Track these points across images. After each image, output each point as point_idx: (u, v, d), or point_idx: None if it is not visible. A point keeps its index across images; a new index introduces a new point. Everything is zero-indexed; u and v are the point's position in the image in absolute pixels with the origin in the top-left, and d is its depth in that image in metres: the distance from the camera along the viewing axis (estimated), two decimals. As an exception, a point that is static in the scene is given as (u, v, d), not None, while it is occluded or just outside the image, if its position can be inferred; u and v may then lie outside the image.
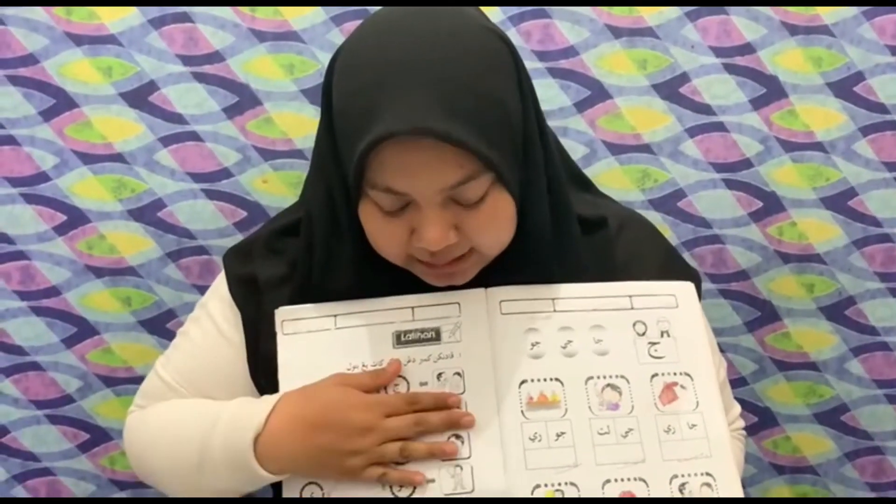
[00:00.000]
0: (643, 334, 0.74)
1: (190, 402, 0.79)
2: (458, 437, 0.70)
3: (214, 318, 0.80)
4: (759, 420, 1.16)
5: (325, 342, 0.73)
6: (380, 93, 0.61)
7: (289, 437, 0.69)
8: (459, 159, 0.62)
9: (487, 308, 0.73)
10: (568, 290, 0.75)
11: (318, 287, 0.75)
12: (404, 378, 0.72)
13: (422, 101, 0.60)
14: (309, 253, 0.75)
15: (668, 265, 0.81)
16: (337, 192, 0.71)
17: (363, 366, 0.72)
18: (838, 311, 1.14)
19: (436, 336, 0.73)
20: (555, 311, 0.74)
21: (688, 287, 0.77)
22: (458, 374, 0.72)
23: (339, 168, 0.69)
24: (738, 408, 0.90)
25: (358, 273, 0.73)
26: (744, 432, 0.91)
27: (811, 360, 1.15)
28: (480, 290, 0.74)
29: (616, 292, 0.75)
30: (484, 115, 0.62)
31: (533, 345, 0.73)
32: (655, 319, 0.75)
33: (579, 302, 0.74)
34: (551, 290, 0.74)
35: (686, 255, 1.12)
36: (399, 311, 0.74)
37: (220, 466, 0.71)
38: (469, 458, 0.69)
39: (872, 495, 1.18)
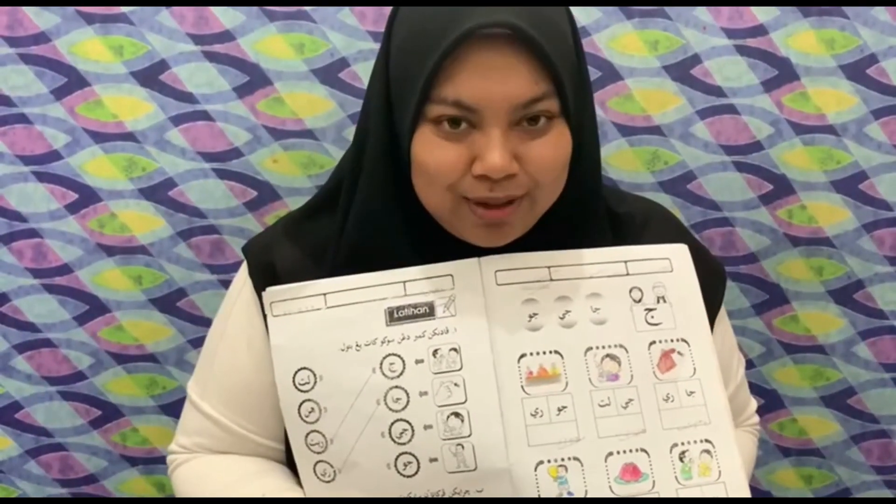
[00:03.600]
0: (640, 301, 0.73)
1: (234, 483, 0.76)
2: (457, 415, 0.69)
3: (241, 323, 0.77)
4: (766, 402, 1.16)
5: (316, 322, 0.71)
6: (458, 9, 0.64)
7: None
8: (536, 75, 0.64)
9: (482, 279, 0.71)
10: (563, 257, 0.73)
11: (354, 255, 0.73)
12: (399, 356, 0.70)
13: (505, 10, 0.63)
14: (346, 217, 0.74)
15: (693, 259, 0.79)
16: (382, 147, 0.71)
17: (356, 345, 0.70)
18: (847, 295, 1.14)
19: (430, 311, 0.71)
20: (551, 279, 0.72)
21: (682, 250, 0.76)
22: (455, 349, 0.70)
23: (388, 117, 0.70)
24: (754, 404, 0.90)
25: (400, 230, 0.72)
26: (759, 428, 0.91)
27: (819, 343, 1.15)
28: (474, 261, 0.71)
29: (611, 258, 0.74)
30: (556, 41, 0.65)
31: (531, 316, 0.71)
32: (651, 285, 0.73)
33: (575, 269, 0.73)
34: (546, 257, 0.72)
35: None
36: (390, 286, 0.71)
37: None
38: (470, 436, 0.68)
39: (878, 478, 1.19)
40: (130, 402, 1.13)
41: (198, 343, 1.12)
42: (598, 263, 0.73)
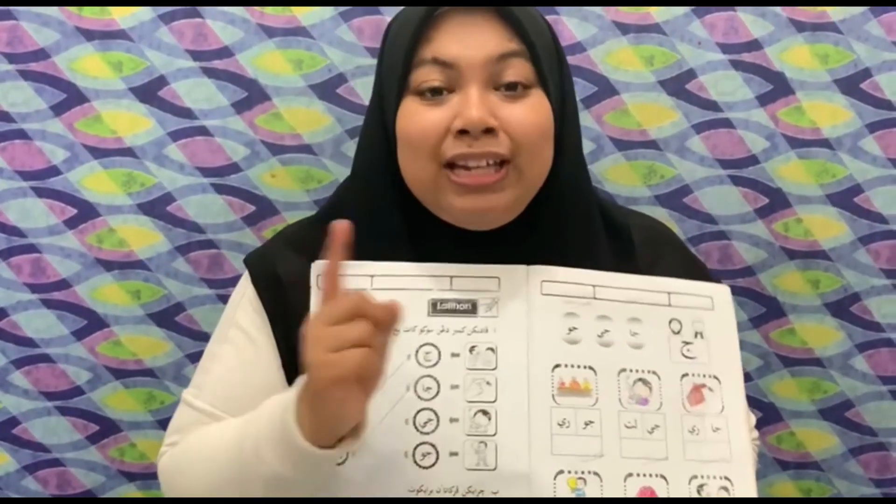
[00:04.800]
0: (678, 332, 0.74)
1: (219, 424, 0.74)
2: (485, 413, 0.70)
3: (244, 328, 0.77)
4: (764, 416, 1.16)
5: None
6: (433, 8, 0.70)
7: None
8: (508, 34, 0.70)
9: (528, 286, 0.72)
10: (608, 279, 0.74)
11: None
12: (435, 346, 0.71)
13: None
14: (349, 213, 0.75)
15: (690, 277, 0.80)
16: (379, 142, 0.74)
17: (395, 330, 0.69)
18: (843, 308, 1.14)
19: (472, 308, 0.72)
20: (595, 298, 0.73)
21: (725, 291, 0.78)
22: (492, 349, 0.71)
23: (380, 115, 0.73)
24: (753, 418, 0.91)
25: (397, 229, 0.74)
26: (758, 441, 0.92)
27: (816, 356, 1.16)
28: (522, 267, 0.73)
29: (655, 287, 0.75)
30: (527, 16, 0.71)
31: (570, 329, 0.72)
32: (691, 319, 0.75)
33: (619, 292, 0.74)
34: (592, 276, 0.74)
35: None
36: (437, 278, 0.72)
37: (266, 459, 0.65)
38: (495, 435, 0.69)
39: (876, 491, 1.19)
40: (128, 417, 1.13)
41: (196, 358, 1.11)
42: (642, 290, 0.75)
